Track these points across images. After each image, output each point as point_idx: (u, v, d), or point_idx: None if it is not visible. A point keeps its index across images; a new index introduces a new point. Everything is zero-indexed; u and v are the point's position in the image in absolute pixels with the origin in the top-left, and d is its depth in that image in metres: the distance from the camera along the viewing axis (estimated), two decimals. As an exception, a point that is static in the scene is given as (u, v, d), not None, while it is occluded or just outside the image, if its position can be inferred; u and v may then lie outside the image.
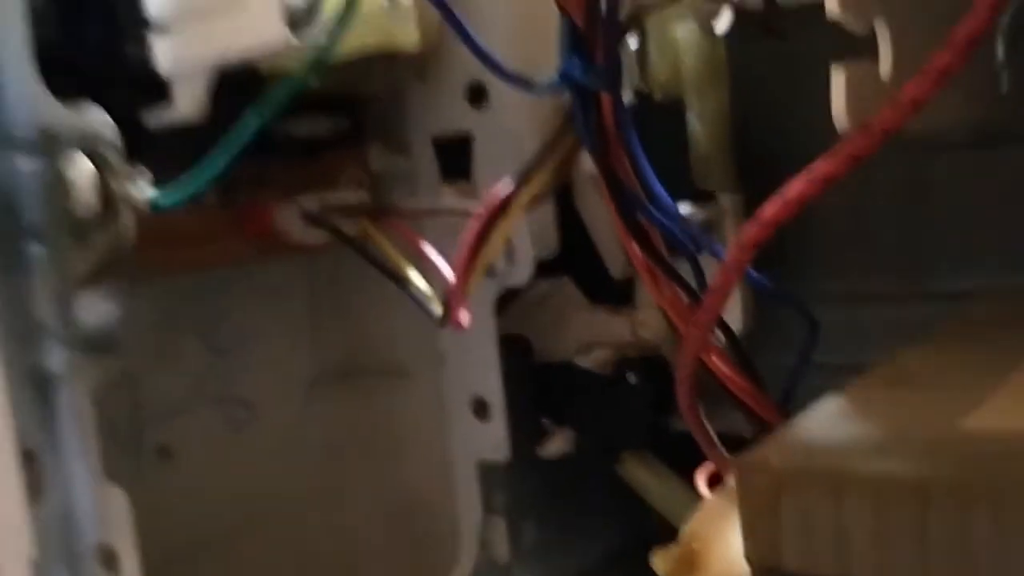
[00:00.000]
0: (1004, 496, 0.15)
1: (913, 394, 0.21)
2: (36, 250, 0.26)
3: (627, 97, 0.33)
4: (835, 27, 0.22)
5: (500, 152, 0.33)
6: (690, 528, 0.24)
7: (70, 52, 0.27)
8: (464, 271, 0.28)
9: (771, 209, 0.21)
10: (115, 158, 0.25)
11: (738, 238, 0.22)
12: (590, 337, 0.36)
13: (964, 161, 0.33)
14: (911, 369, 0.23)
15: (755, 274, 0.27)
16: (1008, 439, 0.17)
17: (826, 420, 0.20)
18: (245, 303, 0.38)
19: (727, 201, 0.33)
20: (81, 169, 0.25)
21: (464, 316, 0.29)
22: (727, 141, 0.33)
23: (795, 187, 0.21)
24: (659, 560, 0.23)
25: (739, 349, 0.29)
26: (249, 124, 0.23)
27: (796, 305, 0.28)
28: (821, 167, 0.21)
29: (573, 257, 0.36)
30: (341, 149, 0.36)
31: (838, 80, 0.21)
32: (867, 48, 0.22)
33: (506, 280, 0.34)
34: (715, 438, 0.28)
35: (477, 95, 0.33)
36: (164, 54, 0.27)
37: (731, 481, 0.26)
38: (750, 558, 0.18)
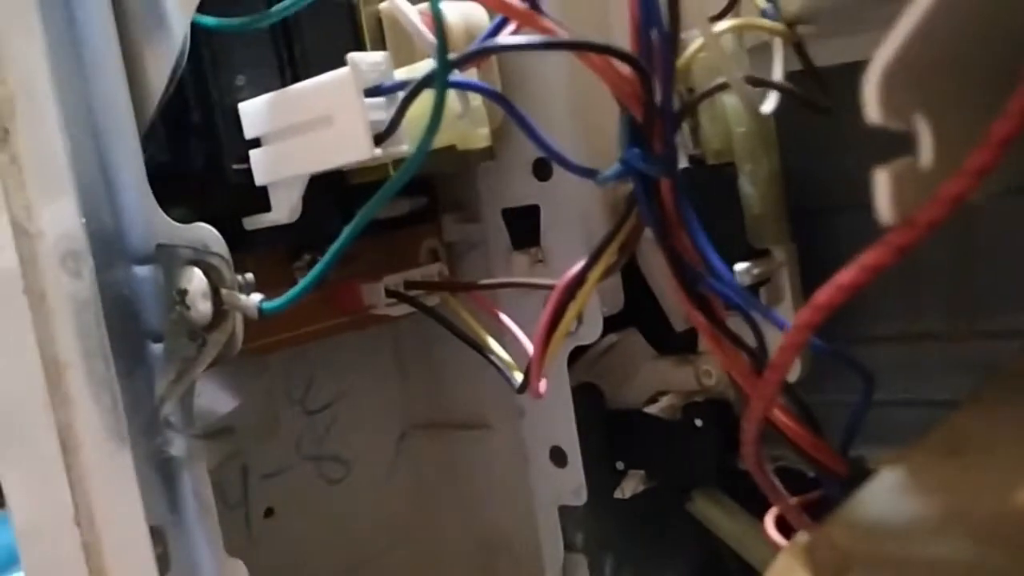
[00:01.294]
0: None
1: (968, 464, 0.22)
2: (156, 351, 0.29)
3: (682, 162, 0.35)
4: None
5: (565, 220, 0.36)
6: (763, 586, 0.25)
7: (178, 170, 0.30)
8: (543, 345, 0.30)
9: (824, 295, 0.23)
10: (225, 270, 0.27)
11: (795, 321, 0.23)
12: (657, 386, 0.38)
13: (1013, 201, 0.34)
14: (965, 435, 0.24)
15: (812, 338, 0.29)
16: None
17: (887, 497, 0.22)
18: (337, 367, 0.41)
19: (781, 254, 0.35)
20: (194, 280, 0.28)
21: (543, 386, 0.31)
22: (779, 200, 0.35)
23: (847, 275, 0.22)
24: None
25: (798, 401, 0.30)
26: (350, 233, 0.26)
27: (852, 363, 0.30)
28: (870, 257, 0.22)
29: (638, 310, 0.38)
30: (419, 224, 0.38)
31: (881, 180, 0.22)
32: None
33: (577, 339, 0.36)
34: (782, 489, 0.30)
35: (543, 169, 0.36)
36: (261, 168, 0.29)
37: (801, 537, 0.27)
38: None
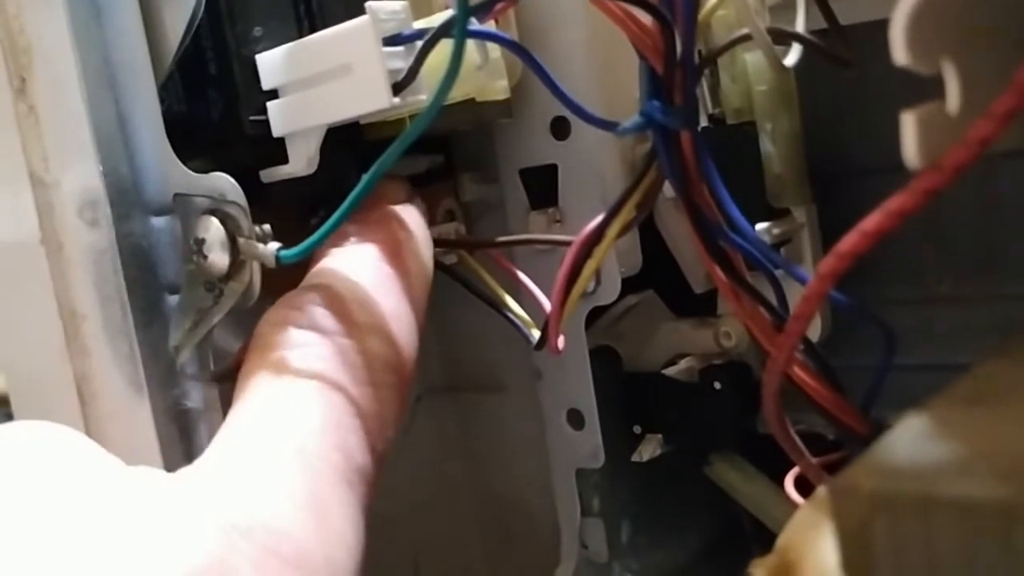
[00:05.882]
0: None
1: (994, 411, 0.22)
2: (173, 303, 0.29)
3: (702, 122, 0.34)
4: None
5: (583, 180, 0.35)
6: (784, 539, 0.25)
7: (195, 121, 0.30)
8: (560, 302, 0.30)
9: (849, 242, 0.22)
10: (243, 219, 0.27)
11: (818, 270, 0.23)
12: (676, 348, 0.38)
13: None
14: (990, 385, 0.24)
15: (834, 293, 0.29)
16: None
17: (912, 441, 0.21)
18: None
19: (802, 214, 0.35)
20: (212, 230, 0.28)
21: (560, 342, 0.31)
22: (800, 159, 0.34)
23: (872, 221, 0.22)
24: (756, 570, 0.25)
25: (819, 359, 0.30)
26: (367, 184, 0.25)
27: (874, 319, 0.30)
28: (896, 202, 0.22)
29: (656, 271, 0.38)
30: (435, 183, 0.38)
31: (908, 123, 0.21)
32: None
33: (595, 300, 0.35)
34: (802, 446, 0.29)
35: (560, 128, 0.35)
36: (279, 119, 0.29)
37: (822, 491, 0.27)
38: (845, 579, 0.19)
